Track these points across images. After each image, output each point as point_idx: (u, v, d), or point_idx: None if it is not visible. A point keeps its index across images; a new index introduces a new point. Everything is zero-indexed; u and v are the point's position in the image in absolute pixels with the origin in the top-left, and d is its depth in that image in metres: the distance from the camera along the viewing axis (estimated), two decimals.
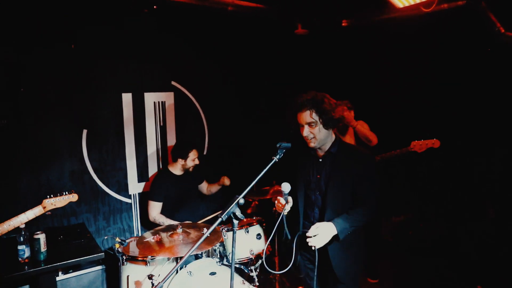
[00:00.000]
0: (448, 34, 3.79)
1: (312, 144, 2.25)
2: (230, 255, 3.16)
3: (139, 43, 3.64)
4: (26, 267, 2.55)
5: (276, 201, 2.23)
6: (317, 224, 2.18)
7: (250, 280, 3.11)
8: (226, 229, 3.17)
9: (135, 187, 3.80)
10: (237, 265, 3.22)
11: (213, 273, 2.94)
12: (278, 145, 2.10)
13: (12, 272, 2.48)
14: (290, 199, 2.21)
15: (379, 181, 2.31)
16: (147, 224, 3.91)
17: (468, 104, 3.80)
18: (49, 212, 2.76)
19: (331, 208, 2.27)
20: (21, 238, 2.57)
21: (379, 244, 4.01)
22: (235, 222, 1.78)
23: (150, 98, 3.79)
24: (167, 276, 1.64)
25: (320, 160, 2.34)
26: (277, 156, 2.07)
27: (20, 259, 2.59)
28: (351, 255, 2.34)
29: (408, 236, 4.32)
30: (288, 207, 2.19)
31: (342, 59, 4.78)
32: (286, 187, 2.11)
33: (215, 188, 3.89)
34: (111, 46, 3.50)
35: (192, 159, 3.51)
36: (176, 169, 3.58)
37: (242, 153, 4.42)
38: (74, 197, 2.77)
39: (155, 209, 3.47)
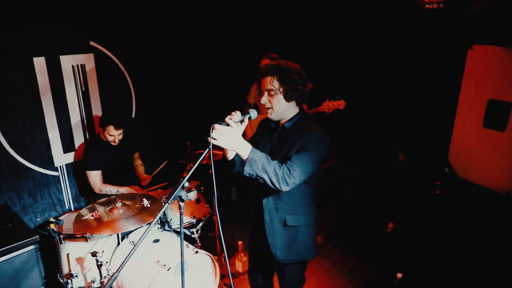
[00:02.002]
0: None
1: (269, 115, 2.09)
2: (172, 221, 3.25)
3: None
4: None
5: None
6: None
7: (192, 242, 3.25)
8: (165, 196, 3.19)
9: (61, 158, 3.56)
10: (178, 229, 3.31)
11: (156, 240, 3.01)
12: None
13: None
14: (247, 118, 1.93)
15: (315, 160, 1.99)
16: (81, 195, 3.77)
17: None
18: None
19: (264, 191, 2.11)
20: None
21: None
22: (181, 204, 1.76)
23: (67, 61, 3.44)
24: (121, 265, 1.66)
25: (275, 134, 2.17)
26: (219, 123, 1.82)
27: None
28: (290, 237, 2.21)
29: (332, 182, 4.76)
30: (236, 118, 1.88)
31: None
32: (254, 112, 1.95)
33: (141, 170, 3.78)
34: (16, 4, 3.02)
35: (110, 134, 3.30)
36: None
37: (172, 115, 4.34)
38: None
39: (95, 178, 3.34)
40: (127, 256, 1.70)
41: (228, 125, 1.85)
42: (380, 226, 3.85)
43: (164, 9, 4.05)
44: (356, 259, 3.77)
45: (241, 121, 1.92)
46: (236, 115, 1.90)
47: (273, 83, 2.00)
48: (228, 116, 1.89)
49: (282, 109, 2.06)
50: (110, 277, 1.64)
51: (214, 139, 1.79)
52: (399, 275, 2.76)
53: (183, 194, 1.75)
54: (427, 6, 3.27)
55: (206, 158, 1.89)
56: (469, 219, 3.20)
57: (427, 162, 3.92)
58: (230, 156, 2.09)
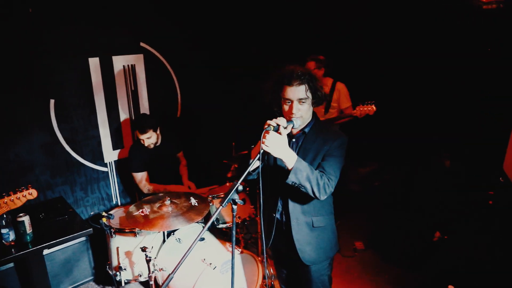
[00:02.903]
0: None
1: (295, 123, 2.02)
2: (217, 221, 3.29)
3: (102, 3, 3.33)
4: (13, 250, 2.50)
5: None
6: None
7: (236, 242, 3.28)
8: (211, 196, 3.24)
9: (111, 154, 3.70)
10: (223, 229, 3.36)
11: (202, 239, 3.06)
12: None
13: (1, 256, 2.43)
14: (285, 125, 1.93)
15: (342, 164, 2.05)
16: (126, 191, 3.90)
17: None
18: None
19: (292, 196, 2.09)
20: (3, 221, 2.49)
21: (348, 194, 4.29)
22: (234, 207, 1.79)
23: (119, 62, 3.57)
24: (176, 266, 1.69)
25: (293, 140, 2.14)
26: (269, 128, 1.84)
27: (5, 242, 2.53)
28: (318, 238, 2.20)
29: (374, 187, 4.65)
30: (284, 124, 1.90)
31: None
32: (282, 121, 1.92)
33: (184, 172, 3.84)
34: (73, 7, 3.18)
35: (139, 138, 3.33)
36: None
37: (216, 115, 4.39)
38: (32, 194, 2.33)
39: (142, 179, 3.44)
40: (183, 256, 1.74)
41: (278, 128, 1.87)
42: (426, 234, 3.72)
43: (209, 11, 4.11)
44: (399, 267, 3.66)
45: (285, 127, 1.93)
46: (282, 120, 1.92)
47: (307, 92, 1.99)
48: (275, 121, 1.89)
49: (309, 115, 2.09)
50: (165, 279, 1.67)
51: (266, 145, 1.81)
52: (451, 287, 2.66)
53: (236, 197, 1.78)
54: (485, 6, 3.12)
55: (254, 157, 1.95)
56: None
57: (478, 170, 3.74)
58: (256, 164, 2.02)
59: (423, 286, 3.39)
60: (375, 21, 4.34)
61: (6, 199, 2.28)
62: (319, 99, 2.05)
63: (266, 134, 1.82)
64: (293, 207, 2.16)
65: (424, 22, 3.97)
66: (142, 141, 3.34)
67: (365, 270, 3.67)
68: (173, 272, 1.70)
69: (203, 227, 3.15)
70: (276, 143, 1.83)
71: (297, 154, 2.04)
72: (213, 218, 1.81)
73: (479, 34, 3.47)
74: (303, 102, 2.00)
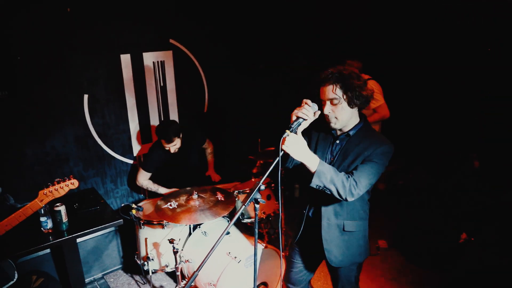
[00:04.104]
0: None
1: (333, 125, 2.01)
2: (242, 215, 3.36)
3: (133, 1, 3.42)
4: (50, 237, 2.65)
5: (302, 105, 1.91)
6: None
7: (260, 237, 3.35)
8: (237, 192, 3.30)
9: (140, 148, 3.82)
10: (248, 224, 3.43)
11: (227, 233, 3.13)
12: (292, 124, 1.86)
13: (39, 242, 2.57)
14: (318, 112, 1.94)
15: (380, 171, 1.98)
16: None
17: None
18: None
19: (325, 196, 1.99)
20: (42, 210, 2.63)
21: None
22: (257, 206, 1.80)
23: (149, 58, 3.67)
24: (202, 263, 1.75)
25: (337, 141, 2.11)
26: (291, 129, 1.83)
27: (43, 229, 2.68)
28: (347, 242, 2.20)
29: (398, 186, 4.61)
30: (310, 115, 1.88)
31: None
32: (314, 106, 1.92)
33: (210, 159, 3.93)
34: (106, 6, 3.29)
35: (165, 146, 3.35)
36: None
37: (243, 111, 4.45)
38: (74, 184, 2.47)
39: (143, 176, 3.51)
40: (211, 250, 1.80)
41: (299, 125, 1.86)
42: (452, 235, 3.67)
43: (235, 9, 4.15)
44: (422, 267, 3.64)
45: (314, 112, 1.90)
46: (308, 107, 1.89)
47: (336, 92, 1.92)
48: (299, 112, 1.86)
49: (346, 117, 2.00)
50: (194, 271, 1.73)
51: (286, 146, 1.80)
52: None
53: (258, 196, 1.79)
54: None
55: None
56: None
57: (507, 170, 3.65)
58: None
59: (448, 287, 3.36)
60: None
61: (51, 188, 2.40)
62: (356, 98, 1.94)
63: (285, 138, 1.82)
64: (325, 207, 2.15)
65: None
66: (168, 149, 3.36)
67: (387, 269, 3.67)
68: (201, 264, 1.76)
69: (228, 222, 3.24)
70: (295, 146, 1.82)
71: (337, 156, 2.08)
72: (237, 215, 1.83)
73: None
74: (336, 102, 1.95)
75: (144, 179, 3.52)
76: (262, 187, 1.78)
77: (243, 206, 1.79)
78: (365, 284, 3.39)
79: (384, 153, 1.98)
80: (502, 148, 3.77)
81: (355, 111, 2.02)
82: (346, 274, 2.31)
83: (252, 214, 3.33)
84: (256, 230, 1.92)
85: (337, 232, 2.17)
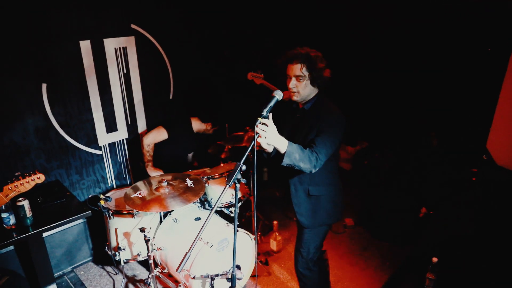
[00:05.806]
0: None
1: (294, 97, 2.33)
2: (212, 201, 3.39)
3: None
4: (14, 233, 2.56)
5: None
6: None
7: (231, 220, 3.39)
8: (206, 177, 3.31)
9: (105, 138, 3.72)
10: (220, 209, 3.46)
11: (198, 218, 3.16)
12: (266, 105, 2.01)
13: (2, 239, 2.49)
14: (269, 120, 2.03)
15: (336, 140, 2.25)
16: (121, 173, 3.94)
17: None
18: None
19: (294, 170, 2.22)
20: (3, 206, 2.53)
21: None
22: (237, 186, 1.94)
23: (110, 44, 3.55)
24: (191, 246, 1.81)
25: (298, 115, 2.44)
26: (264, 114, 1.98)
27: (5, 226, 2.59)
28: (314, 205, 2.49)
29: (363, 166, 4.78)
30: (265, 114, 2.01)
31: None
32: (279, 94, 2.07)
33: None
34: None
35: (208, 129, 3.82)
36: (195, 125, 3.81)
37: (209, 97, 4.42)
38: (40, 178, 2.45)
39: (155, 136, 3.61)
40: (197, 236, 1.93)
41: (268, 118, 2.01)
42: (412, 210, 3.88)
43: None
44: (388, 242, 3.84)
45: (270, 111, 2.04)
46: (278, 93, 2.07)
47: (302, 71, 2.22)
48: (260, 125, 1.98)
49: (307, 92, 2.31)
50: (183, 257, 1.85)
51: (259, 136, 1.98)
52: (435, 259, 2.82)
53: (239, 176, 1.91)
54: None
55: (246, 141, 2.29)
56: (506, 207, 3.19)
57: (462, 148, 3.88)
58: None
59: (409, 259, 3.57)
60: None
61: (16, 183, 2.35)
62: (318, 78, 2.25)
63: (262, 127, 1.97)
64: (291, 176, 2.48)
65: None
66: (207, 131, 3.82)
67: (354, 245, 3.84)
68: (189, 250, 1.90)
69: (210, 210, 3.27)
70: (268, 134, 1.99)
71: (297, 128, 2.38)
72: (220, 197, 1.94)
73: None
74: (301, 79, 2.25)
75: (153, 140, 3.59)
76: (244, 167, 1.89)
77: (227, 186, 1.88)
78: (333, 261, 3.54)
79: (333, 122, 2.27)
80: (458, 127, 3.99)
81: (315, 88, 2.34)
82: (313, 235, 2.59)
83: (224, 200, 3.36)
84: (236, 210, 2.01)
85: (304, 197, 2.49)
